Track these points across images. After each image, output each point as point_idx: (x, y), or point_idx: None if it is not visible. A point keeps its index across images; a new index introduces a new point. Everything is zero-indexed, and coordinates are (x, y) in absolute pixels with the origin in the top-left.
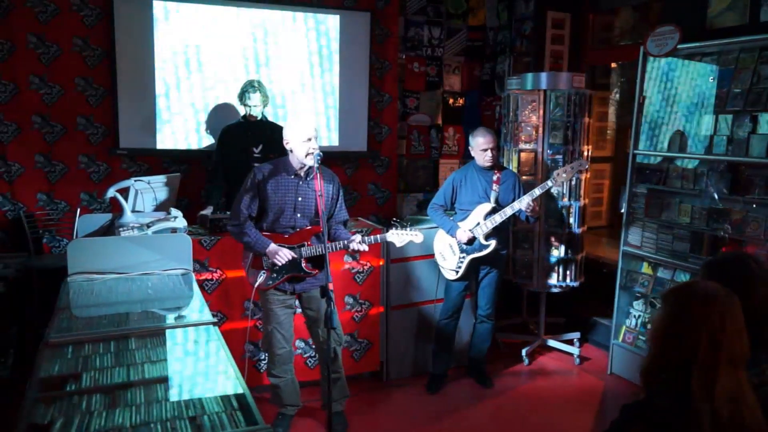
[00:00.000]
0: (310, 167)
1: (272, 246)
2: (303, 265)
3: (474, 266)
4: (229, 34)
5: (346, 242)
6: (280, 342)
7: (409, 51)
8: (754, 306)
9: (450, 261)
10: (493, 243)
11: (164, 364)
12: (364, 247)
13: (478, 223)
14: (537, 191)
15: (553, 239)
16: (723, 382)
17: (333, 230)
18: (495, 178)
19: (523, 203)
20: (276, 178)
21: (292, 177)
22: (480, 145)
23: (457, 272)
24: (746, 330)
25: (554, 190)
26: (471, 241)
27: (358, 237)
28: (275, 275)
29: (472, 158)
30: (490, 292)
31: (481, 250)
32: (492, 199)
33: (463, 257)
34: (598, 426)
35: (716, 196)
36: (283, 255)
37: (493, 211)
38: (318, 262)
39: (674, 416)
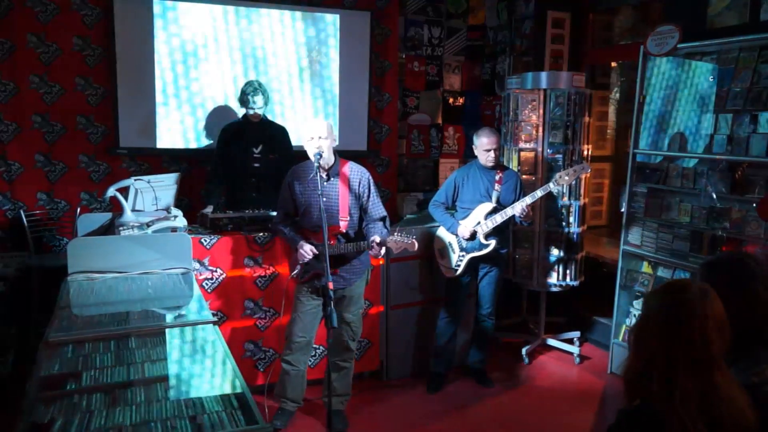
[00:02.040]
0: (332, 167)
1: (301, 243)
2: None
3: (474, 265)
4: (228, 33)
5: (363, 244)
6: (301, 330)
7: (409, 51)
8: (754, 306)
9: (449, 259)
10: (492, 243)
11: (164, 363)
12: (379, 252)
13: (479, 222)
14: (539, 193)
15: (553, 239)
16: (683, 385)
17: (369, 227)
18: (497, 177)
19: (516, 209)
20: (302, 178)
21: (316, 177)
22: (483, 146)
23: (456, 270)
24: (719, 329)
25: (554, 189)
26: (472, 237)
27: (377, 238)
28: (304, 272)
29: (474, 157)
30: (490, 291)
31: (480, 250)
32: (494, 198)
33: (463, 255)
34: (598, 425)
35: (714, 196)
36: (304, 252)
37: (494, 211)
38: (340, 261)
39: (663, 423)
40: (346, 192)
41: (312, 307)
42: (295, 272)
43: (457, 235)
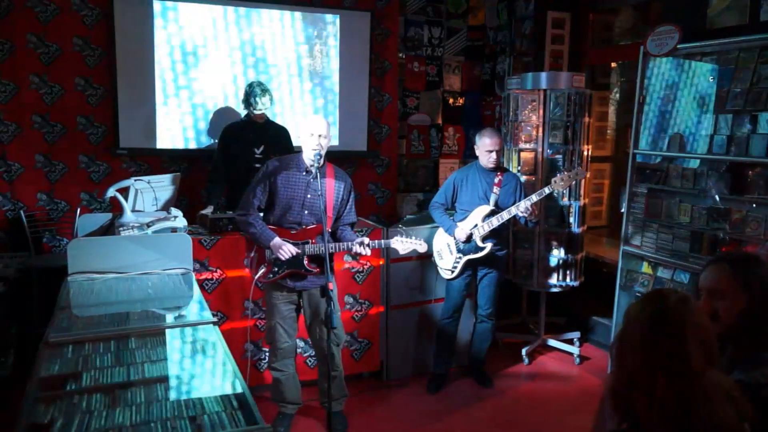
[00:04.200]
0: (321, 166)
1: (276, 240)
2: (305, 262)
3: (473, 266)
4: (229, 33)
5: (349, 244)
6: (283, 336)
7: (409, 51)
8: (759, 306)
9: (447, 261)
10: (489, 246)
11: (164, 363)
12: (367, 251)
13: (476, 225)
14: (534, 197)
15: (553, 239)
16: (662, 397)
17: (339, 231)
18: (496, 180)
19: (520, 208)
20: (287, 173)
21: (303, 174)
22: (486, 146)
23: (453, 272)
24: (701, 340)
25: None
26: (468, 239)
27: (364, 240)
28: (276, 269)
29: (474, 158)
30: (489, 291)
31: (477, 252)
32: (491, 201)
33: (460, 257)
34: (598, 426)
35: (717, 198)
36: (287, 250)
37: (492, 214)
38: (320, 261)
39: None
40: (332, 192)
41: (290, 311)
42: (260, 273)
43: (454, 237)
